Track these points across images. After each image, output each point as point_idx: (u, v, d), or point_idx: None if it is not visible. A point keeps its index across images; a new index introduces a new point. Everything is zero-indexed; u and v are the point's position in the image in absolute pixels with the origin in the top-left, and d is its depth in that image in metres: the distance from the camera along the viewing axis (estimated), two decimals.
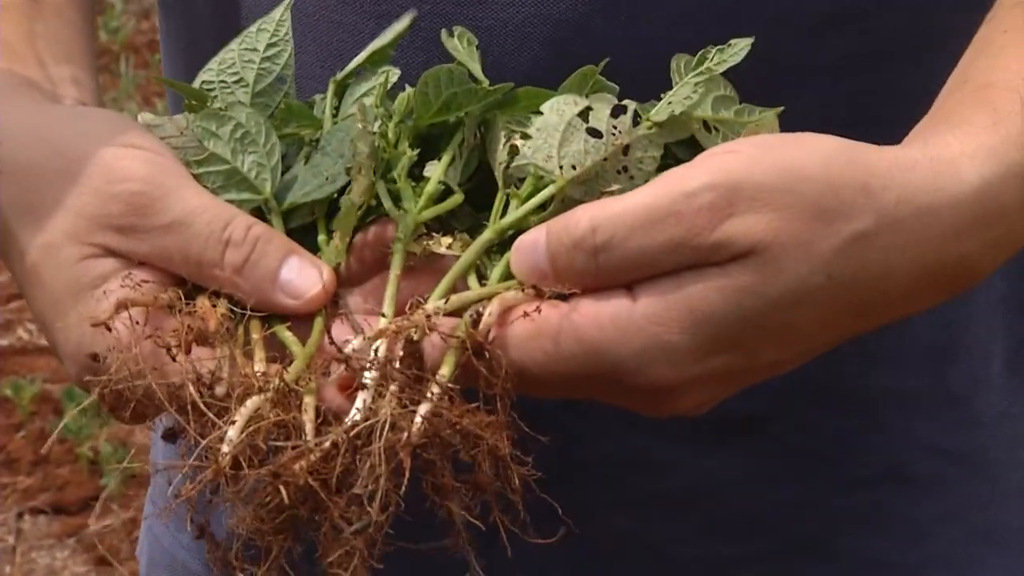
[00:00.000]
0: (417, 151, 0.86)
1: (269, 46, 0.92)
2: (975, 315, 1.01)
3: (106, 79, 4.62)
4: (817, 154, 0.78)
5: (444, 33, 0.90)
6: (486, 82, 0.88)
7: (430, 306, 0.78)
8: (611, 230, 0.77)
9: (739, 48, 0.86)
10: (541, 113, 0.85)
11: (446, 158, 0.86)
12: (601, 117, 0.83)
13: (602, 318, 0.77)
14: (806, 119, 0.86)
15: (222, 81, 0.91)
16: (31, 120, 0.87)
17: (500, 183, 0.85)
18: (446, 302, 0.79)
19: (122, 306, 0.80)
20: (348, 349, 0.77)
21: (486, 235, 0.83)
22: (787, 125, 0.86)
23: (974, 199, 0.79)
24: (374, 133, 0.85)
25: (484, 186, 0.87)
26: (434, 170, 0.86)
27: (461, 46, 0.89)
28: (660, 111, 0.85)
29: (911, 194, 0.78)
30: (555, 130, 0.83)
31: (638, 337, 0.77)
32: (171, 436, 0.80)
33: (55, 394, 3.32)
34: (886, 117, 0.90)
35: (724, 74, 0.87)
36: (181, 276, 0.83)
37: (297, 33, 0.94)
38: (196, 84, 0.92)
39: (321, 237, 0.86)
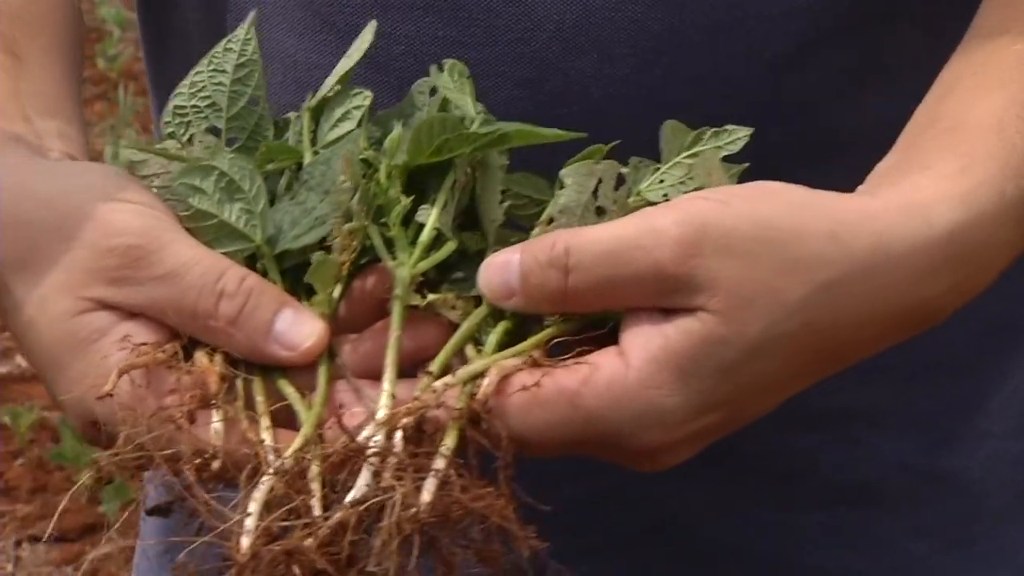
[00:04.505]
0: (411, 198, 0.85)
1: (238, 67, 0.90)
2: (953, 339, 1.02)
3: (104, 106, 4.63)
4: (784, 204, 0.80)
5: (434, 69, 0.89)
6: (478, 118, 0.87)
7: (439, 384, 0.78)
8: (581, 254, 0.79)
9: (736, 137, 0.86)
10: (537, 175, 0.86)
11: (439, 205, 0.85)
12: (608, 192, 0.84)
13: (599, 386, 0.78)
14: (777, 151, 0.88)
15: (195, 106, 0.90)
16: (21, 175, 0.87)
17: (490, 239, 0.86)
18: (454, 376, 0.79)
19: (123, 373, 0.80)
20: (361, 438, 0.76)
21: (484, 308, 0.83)
22: (758, 157, 0.87)
23: (944, 244, 0.81)
24: (364, 176, 0.84)
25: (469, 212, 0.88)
26: (427, 217, 0.85)
27: (451, 80, 0.88)
28: (652, 189, 0.86)
29: (885, 242, 0.80)
30: (573, 215, 0.83)
31: (634, 403, 0.78)
32: (163, 511, 0.79)
33: (53, 422, 3.32)
34: (857, 146, 0.91)
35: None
36: (176, 330, 0.83)
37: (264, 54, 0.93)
38: (169, 108, 0.90)
39: None
